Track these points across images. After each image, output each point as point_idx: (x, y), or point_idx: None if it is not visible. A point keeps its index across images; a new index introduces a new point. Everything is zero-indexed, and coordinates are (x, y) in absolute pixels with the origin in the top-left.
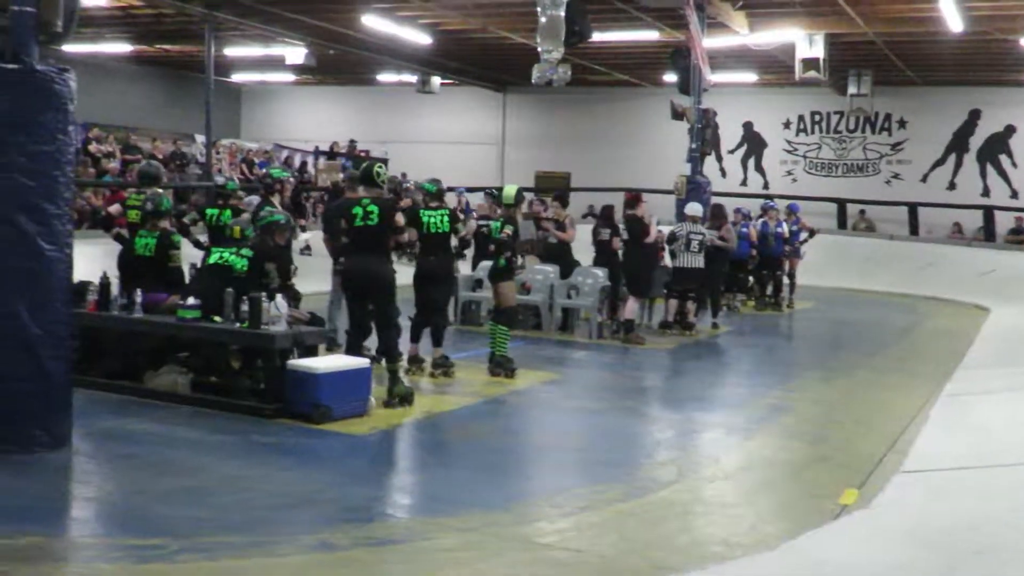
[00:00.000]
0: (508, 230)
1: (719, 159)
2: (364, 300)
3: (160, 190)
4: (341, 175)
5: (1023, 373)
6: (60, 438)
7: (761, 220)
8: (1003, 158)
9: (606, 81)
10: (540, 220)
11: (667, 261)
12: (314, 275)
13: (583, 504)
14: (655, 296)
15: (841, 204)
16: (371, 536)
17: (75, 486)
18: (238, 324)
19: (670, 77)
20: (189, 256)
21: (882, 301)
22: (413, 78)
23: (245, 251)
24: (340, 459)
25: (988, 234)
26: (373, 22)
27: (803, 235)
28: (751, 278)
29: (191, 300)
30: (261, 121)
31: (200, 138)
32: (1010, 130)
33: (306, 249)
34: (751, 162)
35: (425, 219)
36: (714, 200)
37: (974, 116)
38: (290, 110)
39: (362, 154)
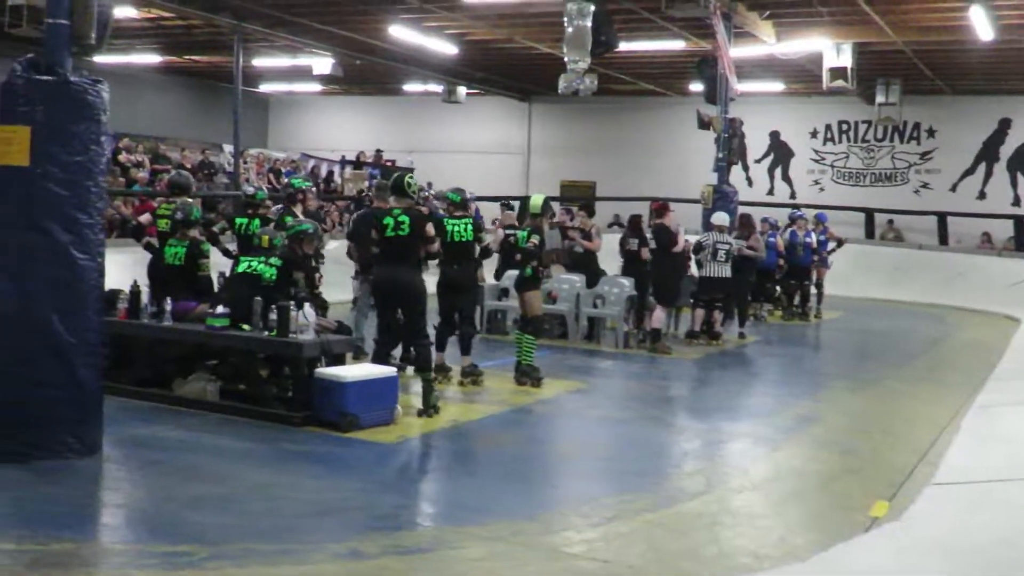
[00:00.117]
0: (535, 240)
1: (745, 168)
2: (394, 310)
3: (190, 199)
4: (366, 184)
5: None
6: (91, 445)
7: (789, 230)
8: None
9: (632, 91)
10: (566, 230)
11: (693, 270)
12: (334, 284)
13: (610, 514)
14: (682, 305)
15: (869, 213)
16: (399, 544)
17: (106, 492)
18: (266, 332)
19: (696, 86)
20: (218, 265)
21: (910, 311)
22: (439, 88)
23: (274, 260)
24: (368, 467)
25: (1018, 244)
26: (400, 32)
27: (831, 245)
28: (778, 288)
29: (220, 308)
30: (288, 131)
31: (228, 148)
32: None
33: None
34: (778, 171)
35: (449, 228)
36: (741, 210)
37: (1004, 125)
38: (317, 120)
39: (388, 163)
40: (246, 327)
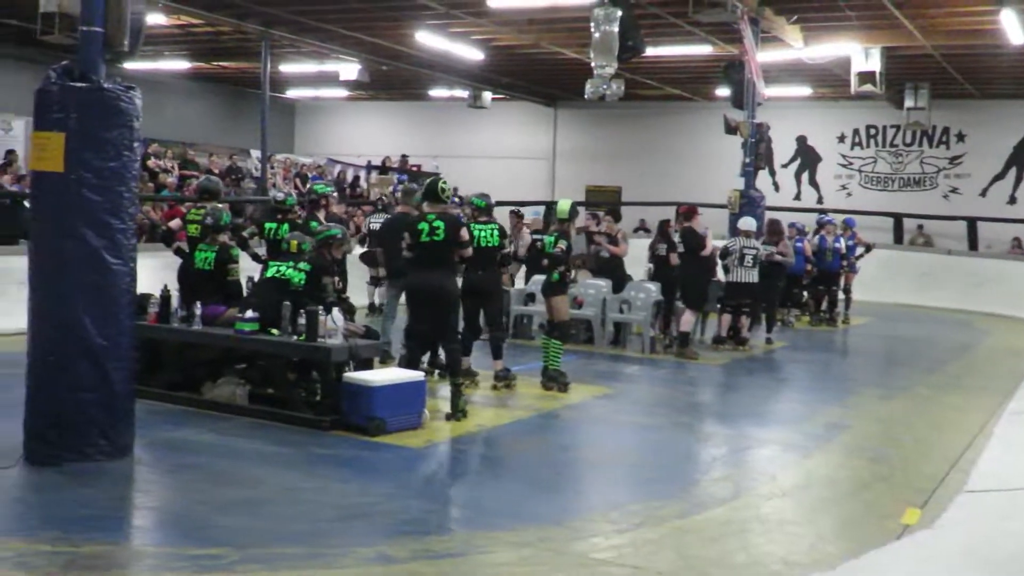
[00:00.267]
0: (562, 245)
1: (772, 173)
2: (427, 315)
3: (220, 204)
4: (390, 189)
5: None
6: (123, 448)
7: (818, 235)
8: None
9: (658, 95)
10: (592, 234)
11: (720, 275)
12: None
13: (639, 520)
14: (708, 311)
15: (898, 219)
16: (429, 549)
17: (137, 495)
18: (295, 337)
19: (722, 91)
20: (247, 269)
21: (939, 317)
22: (465, 93)
23: (303, 265)
24: (397, 472)
25: None
26: (426, 38)
27: (859, 250)
28: (806, 293)
29: (249, 313)
30: (315, 136)
31: (255, 153)
32: None
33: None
34: (805, 176)
35: (475, 233)
36: (767, 215)
37: None
38: (343, 125)
39: (414, 168)
40: (275, 331)
